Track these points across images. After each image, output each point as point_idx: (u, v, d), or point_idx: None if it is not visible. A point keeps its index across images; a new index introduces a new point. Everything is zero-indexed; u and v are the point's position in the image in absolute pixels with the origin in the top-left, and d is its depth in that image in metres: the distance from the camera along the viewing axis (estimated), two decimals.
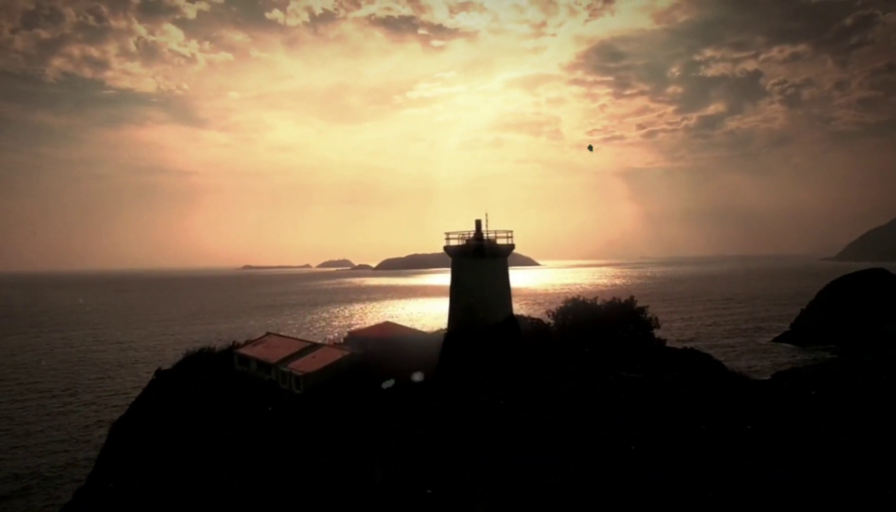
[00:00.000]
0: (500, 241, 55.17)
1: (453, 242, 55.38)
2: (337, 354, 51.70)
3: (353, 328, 69.61)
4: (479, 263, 53.71)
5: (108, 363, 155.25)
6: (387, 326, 64.77)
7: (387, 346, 55.39)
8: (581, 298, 62.16)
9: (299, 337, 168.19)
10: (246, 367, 57.29)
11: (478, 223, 55.42)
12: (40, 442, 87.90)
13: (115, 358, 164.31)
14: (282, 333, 71.00)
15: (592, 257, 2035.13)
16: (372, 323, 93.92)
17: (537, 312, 79.75)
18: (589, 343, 53.41)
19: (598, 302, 61.23)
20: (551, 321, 61.05)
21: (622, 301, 60.24)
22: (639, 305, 60.94)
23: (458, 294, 54.73)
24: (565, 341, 55.22)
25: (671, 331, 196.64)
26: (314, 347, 55.92)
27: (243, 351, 58.73)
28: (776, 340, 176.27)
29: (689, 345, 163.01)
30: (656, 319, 60.36)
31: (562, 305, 62.00)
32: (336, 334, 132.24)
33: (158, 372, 60.43)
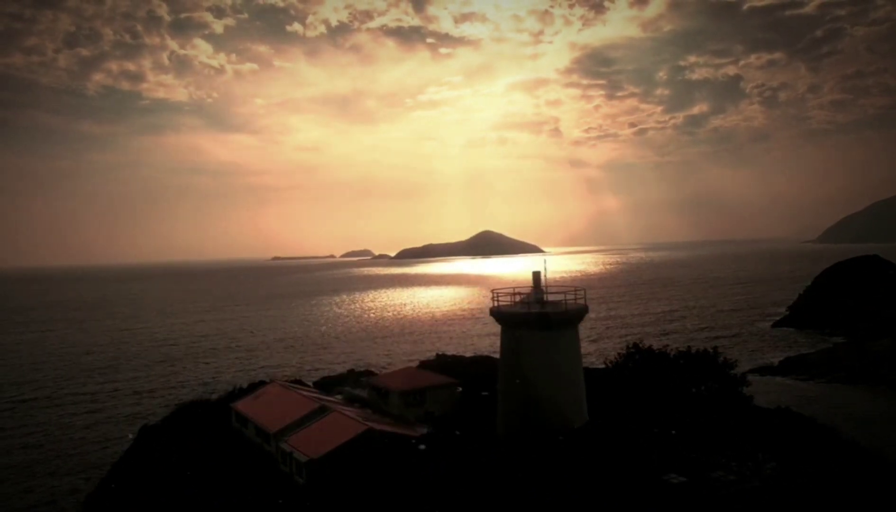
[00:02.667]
0: (564, 301, 36.36)
1: (504, 303, 36.71)
2: (350, 429, 37.70)
3: (372, 376, 55.27)
4: (543, 339, 34.56)
5: (143, 359, 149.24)
6: (413, 376, 51.66)
7: (411, 399, 44.79)
8: (646, 345, 47.71)
9: (312, 358, 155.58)
10: (244, 427, 45.72)
11: (536, 277, 36.93)
12: (63, 455, 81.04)
13: (149, 353, 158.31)
14: (286, 383, 55.48)
15: (591, 244, 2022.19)
16: (395, 352, 78.75)
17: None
18: (664, 409, 37.25)
19: (669, 350, 46.32)
20: (608, 364, 47.10)
21: (700, 351, 45.63)
22: (724, 357, 46.06)
23: (513, 384, 35.42)
24: (633, 405, 38.81)
25: (675, 318, 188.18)
26: (322, 411, 42.68)
27: (241, 408, 46.97)
28: (776, 324, 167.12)
29: (695, 335, 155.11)
30: (743, 375, 45.26)
31: (623, 351, 47.49)
32: (353, 364, 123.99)
33: (144, 429, 49.56)
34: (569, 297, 36.23)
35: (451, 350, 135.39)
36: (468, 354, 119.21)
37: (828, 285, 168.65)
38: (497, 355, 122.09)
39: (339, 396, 51.48)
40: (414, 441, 36.83)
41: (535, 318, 34.96)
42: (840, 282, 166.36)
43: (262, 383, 53.65)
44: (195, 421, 47.91)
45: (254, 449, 41.95)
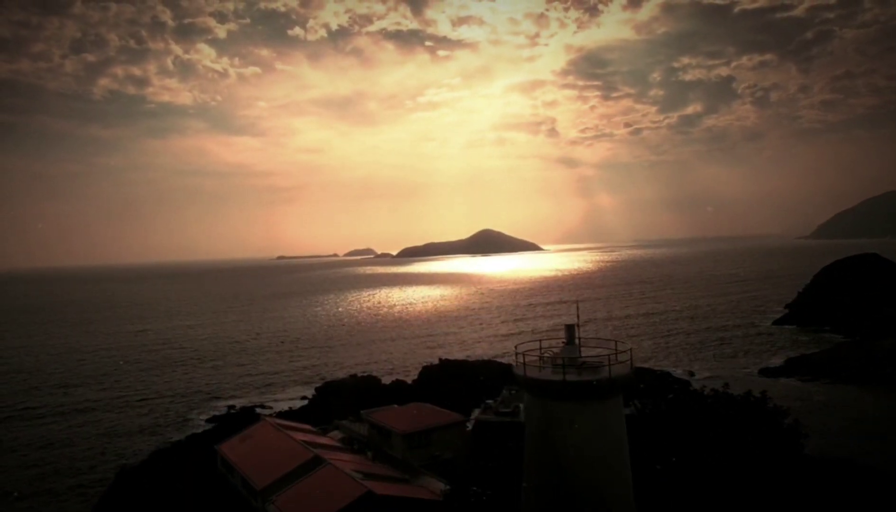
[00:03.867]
0: (606, 364, 27.59)
1: (531, 365, 27.93)
2: (346, 492, 31.62)
3: (374, 411, 47.33)
4: (581, 413, 26.60)
5: (150, 362, 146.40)
6: (417, 414, 44.82)
7: (415, 441, 40.06)
8: (675, 377, 39.85)
9: (310, 362, 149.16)
10: (230, 474, 40.24)
11: (570, 331, 28.75)
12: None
13: (156, 357, 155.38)
14: (278, 421, 46.59)
15: (588, 241, 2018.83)
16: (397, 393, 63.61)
17: None
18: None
19: (707, 393, 39.27)
20: (634, 407, 38.37)
21: (749, 398, 37.75)
22: (774, 402, 38.73)
23: (544, 469, 27.36)
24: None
25: (677, 318, 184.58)
26: (316, 462, 36.45)
27: (227, 452, 41.11)
28: (777, 322, 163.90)
29: (697, 337, 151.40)
30: (796, 421, 36.94)
31: (655, 397, 40.08)
32: (356, 369, 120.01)
33: (121, 473, 45.54)
34: (608, 355, 27.69)
35: (454, 353, 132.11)
36: (472, 358, 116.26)
37: (827, 284, 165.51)
38: (500, 360, 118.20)
39: (336, 431, 46.46)
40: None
41: (575, 388, 26.24)
42: (839, 280, 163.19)
43: (253, 416, 47.86)
44: (179, 464, 43.24)
45: (240, 502, 37.26)
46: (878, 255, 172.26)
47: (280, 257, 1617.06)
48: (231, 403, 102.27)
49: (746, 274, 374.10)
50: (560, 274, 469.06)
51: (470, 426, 69.75)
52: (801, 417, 79.15)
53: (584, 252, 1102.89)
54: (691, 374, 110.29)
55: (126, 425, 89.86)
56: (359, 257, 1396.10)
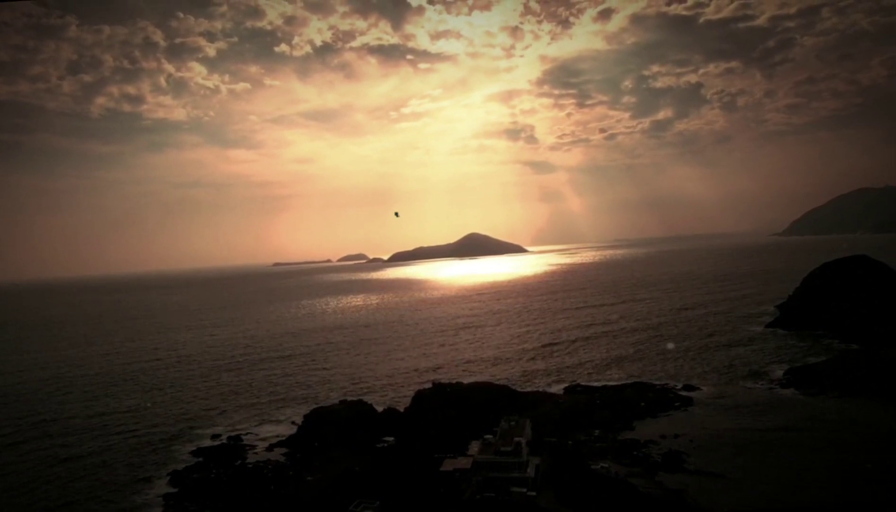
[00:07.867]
0: None
1: None
2: None
3: None
4: None
5: (139, 385, 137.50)
6: None
7: None
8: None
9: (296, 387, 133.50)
10: None
11: None
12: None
13: (145, 377, 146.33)
14: None
15: (570, 241, 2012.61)
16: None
17: None
18: None
19: None
20: None
21: None
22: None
23: None
24: None
25: (671, 334, 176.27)
26: None
27: None
28: (769, 325, 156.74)
29: (694, 335, 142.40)
30: None
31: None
32: (346, 392, 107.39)
33: None
34: None
35: (448, 372, 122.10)
36: (465, 380, 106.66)
37: (818, 286, 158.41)
38: (497, 381, 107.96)
39: None
40: None
41: None
42: (831, 283, 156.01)
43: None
44: None
45: None
46: (868, 256, 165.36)
47: (276, 264, 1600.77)
48: (217, 430, 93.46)
49: (730, 272, 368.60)
50: (546, 277, 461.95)
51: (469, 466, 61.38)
52: (823, 445, 70.37)
53: (567, 253, 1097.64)
54: (693, 388, 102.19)
55: (109, 469, 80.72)
56: (352, 263, 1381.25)
